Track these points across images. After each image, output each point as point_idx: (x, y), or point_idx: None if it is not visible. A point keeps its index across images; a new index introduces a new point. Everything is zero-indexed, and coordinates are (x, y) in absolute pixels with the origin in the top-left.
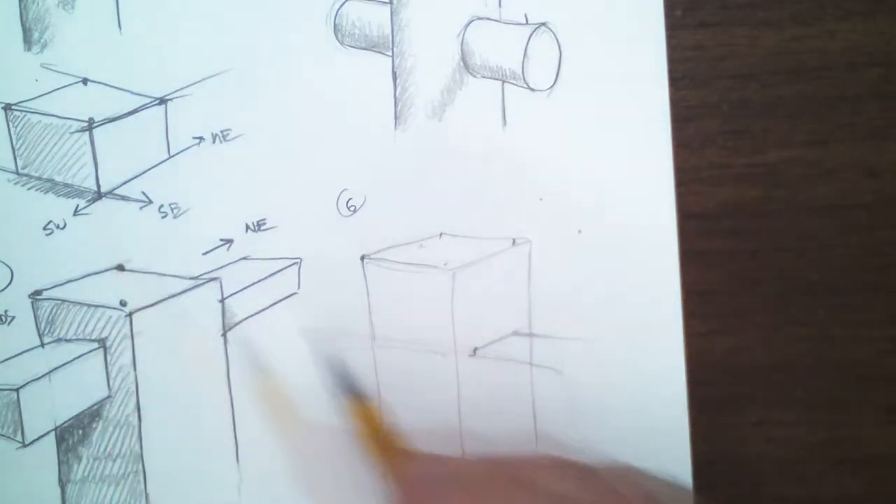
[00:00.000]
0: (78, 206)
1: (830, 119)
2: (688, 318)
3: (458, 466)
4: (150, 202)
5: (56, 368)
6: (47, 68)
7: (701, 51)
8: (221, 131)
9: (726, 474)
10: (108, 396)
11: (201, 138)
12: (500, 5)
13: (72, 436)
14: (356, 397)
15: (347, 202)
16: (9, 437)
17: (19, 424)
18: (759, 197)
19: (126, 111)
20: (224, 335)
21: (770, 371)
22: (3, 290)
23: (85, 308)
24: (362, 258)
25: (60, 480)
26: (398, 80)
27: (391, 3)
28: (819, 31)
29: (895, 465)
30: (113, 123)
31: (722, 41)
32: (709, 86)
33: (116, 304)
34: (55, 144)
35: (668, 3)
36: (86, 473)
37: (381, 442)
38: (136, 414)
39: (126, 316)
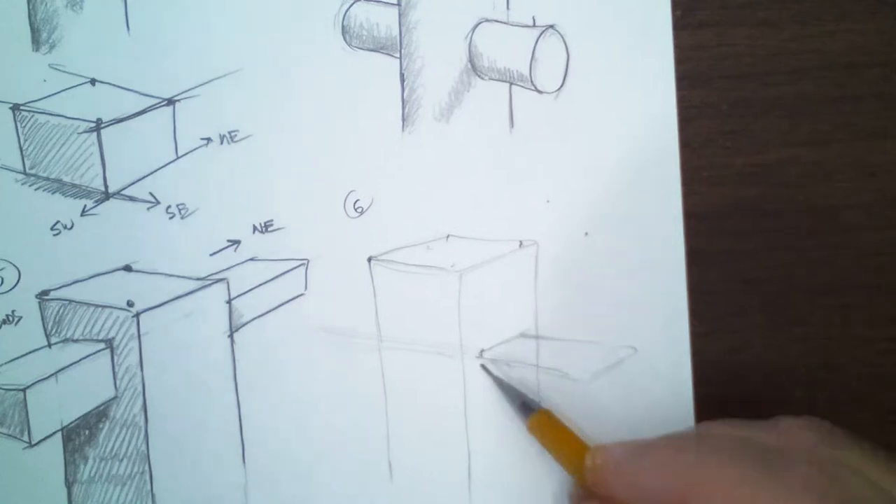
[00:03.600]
0: (85, 206)
1: (830, 119)
2: (688, 317)
3: (642, 442)
4: (158, 203)
5: (63, 369)
6: (55, 69)
7: (701, 51)
8: (229, 132)
9: None
10: (115, 397)
11: (209, 139)
12: (507, 7)
13: (78, 436)
14: (534, 412)
15: (355, 203)
16: (15, 437)
17: (26, 424)
18: (759, 197)
19: (134, 112)
20: (231, 336)
21: (770, 371)
22: (10, 290)
23: (92, 308)
24: (369, 259)
25: (67, 480)
26: (406, 82)
27: (399, 4)
28: (819, 31)
29: None
30: (121, 124)
31: (722, 41)
32: (709, 86)
33: (123, 305)
34: (63, 145)
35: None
36: (92, 474)
37: (567, 441)
38: (143, 414)
39: (133, 316)
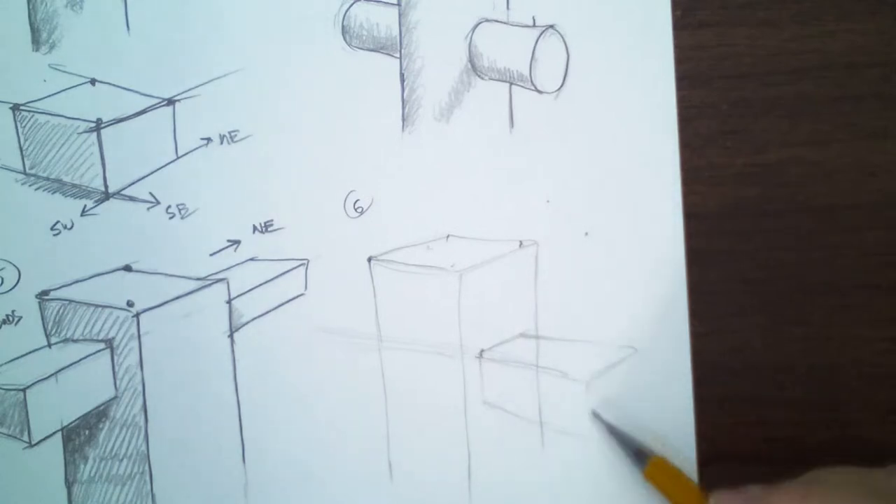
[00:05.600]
0: (85, 206)
1: (830, 119)
2: (688, 317)
3: (757, 492)
4: (158, 203)
5: (63, 369)
6: (55, 69)
7: (701, 51)
8: (229, 132)
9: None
10: (115, 397)
11: (209, 139)
12: (507, 7)
13: (78, 436)
14: (649, 459)
15: (355, 203)
16: (15, 437)
17: (26, 424)
18: (759, 197)
19: (134, 112)
20: (231, 336)
21: (770, 371)
22: (10, 290)
23: (92, 308)
24: (369, 259)
25: (67, 481)
26: (406, 82)
27: (399, 4)
28: (819, 31)
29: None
30: (121, 124)
31: (722, 41)
32: (709, 86)
33: (123, 305)
34: (63, 145)
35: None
36: (92, 474)
37: (685, 489)
38: (143, 414)
39: (133, 316)
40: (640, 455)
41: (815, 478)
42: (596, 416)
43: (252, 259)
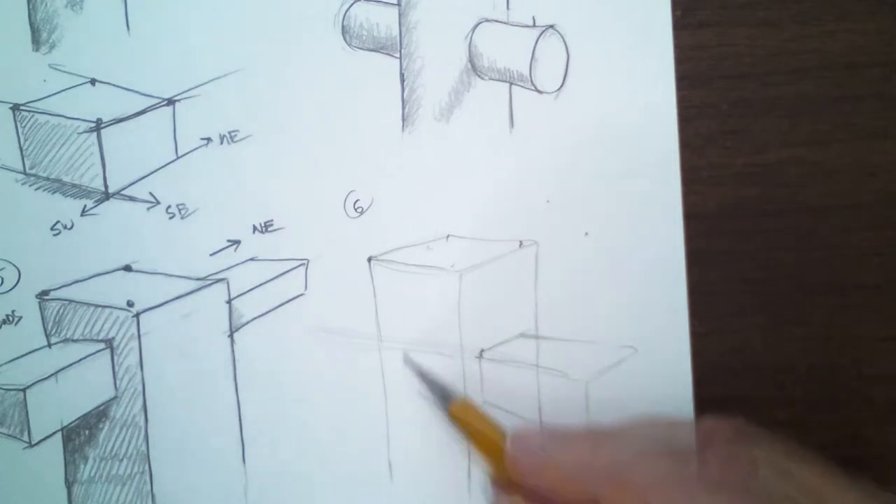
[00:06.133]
0: (85, 206)
1: (830, 119)
2: (688, 317)
3: (562, 432)
4: (158, 203)
5: (63, 369)
6: (55, 69)
7: (701, 51)
8: (229, 132)
9: None
10: (115, 397)
11: (209, 139)
12: (507, 7)
13: (78, 436)
14: (454, 400)
15: (355, 203)
16: (15, 437)
17: (26, 424)
18: (759, 197)
19: (134, 112)
20: (231, 336)
21: (770, 371)
22: (10, 290)
23: (92, 308)
24: (369, 259)
25: (67, 480)
26: (406, 82)
27: (399, 4)
28: (819, 31)
29: (895, 465)
30: (121, 124)
31: (722, 41)
32: (709, 86)
33: (123, 305)
34: (63, 145)
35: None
36: (92, 474)
37: (487, 429)
38: (143, 414)
39: (133, 316)
40: (445, 398)
41: (621, 429)
42: (408, 360)
43: (252, 259)
